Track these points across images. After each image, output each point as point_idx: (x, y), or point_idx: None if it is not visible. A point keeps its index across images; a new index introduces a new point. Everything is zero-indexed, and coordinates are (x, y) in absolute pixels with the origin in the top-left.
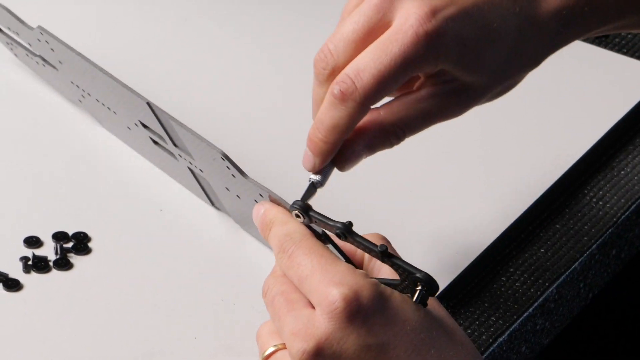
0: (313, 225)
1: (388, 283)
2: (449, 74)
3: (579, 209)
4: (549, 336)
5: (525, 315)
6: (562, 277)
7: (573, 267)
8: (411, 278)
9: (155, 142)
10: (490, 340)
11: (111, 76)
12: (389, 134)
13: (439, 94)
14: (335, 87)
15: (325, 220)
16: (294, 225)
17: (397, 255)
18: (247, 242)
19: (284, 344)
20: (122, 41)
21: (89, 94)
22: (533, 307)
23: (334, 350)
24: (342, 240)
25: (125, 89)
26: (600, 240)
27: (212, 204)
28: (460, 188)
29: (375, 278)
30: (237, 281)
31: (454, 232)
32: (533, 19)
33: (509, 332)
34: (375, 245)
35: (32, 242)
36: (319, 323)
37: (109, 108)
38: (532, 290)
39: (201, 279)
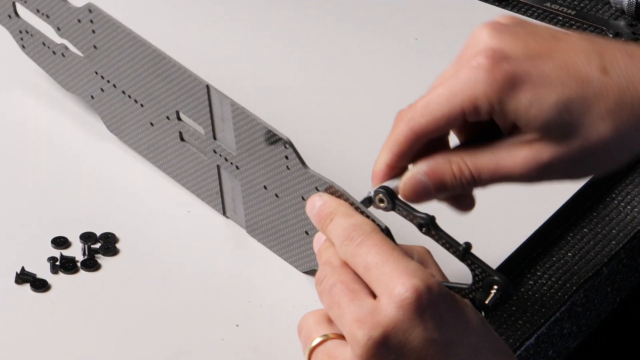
0: (376, 219)
1: (449, 286)
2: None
3: (607, 212)
4: (576, 340)
5: (552, 319)
6: (590, 281)
7: (600, 270)
8: (487, 280)
9: (182, 139)
10: (518, 343)
11: (167, 56)
12: (450, 165)
13: (512, 145)
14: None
15: (409, 209)
16: (361, 218)
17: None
18: None
19: (336, 333)
20: (152, 42)
21: (113, 85)
22: (560, 311)
23: (399, 340)
24: (423, 232)
25: (184, 70)
26: (628, 244)
27: (224, 211)
28: (487, 190)
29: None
30: (265, 283)
31: (481, 235)
32: None
33: (536, 335)
34: (458, 243)
35: (60, 242)
36: (387, 312)
37: (135, 100)
38: (559, 294)
39: (228, 281)
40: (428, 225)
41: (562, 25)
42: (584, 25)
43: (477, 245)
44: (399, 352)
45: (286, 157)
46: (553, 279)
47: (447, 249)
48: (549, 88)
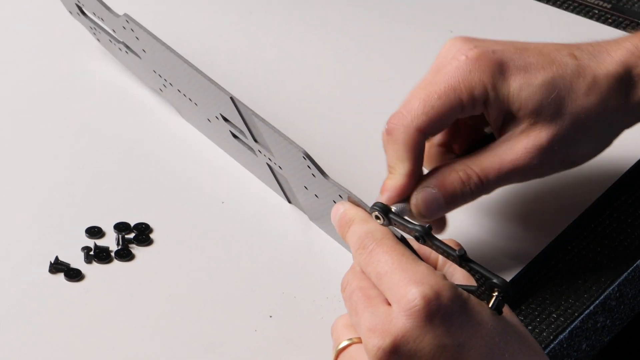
0: (392, 228)
1: (465, 288)
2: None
3: None
4: (610, 334)
5: (586, 312)
6: (624, 275)
7: (635, 264)
8: (488, 284)
9: (235, 136)
10: (551, 337)
11: (196, 69)
12: (457, 172)
13: (510, 139)
14: (386, 125)
15: (404, 222)
16: (375, 225)
17: (474, 261)
18: (310, 236)
19: (360, 338)
20: (187, 34)
21: (170, 84)
22: (594, 305)
23: (409, 348)
24: (420, 243)
25: (210, 82)
26: None
27: (288, 200)
28: (524, 184)
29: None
30: (298, 274)
31: (516, 228)
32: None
33: (569, 329)
34: (454, 250)
35: (94, 232)
36: (397, 320)
37: (190, 99)
38: (593, 288)
39: (262, 272)
40: (423, 237)
41: (598, 19)
42: (620, 19)
43: (513, 238)
44: (411, 359)
45: (308, 167)
46: (587, 273)
47: (446, 257)
48: (533, 71)
